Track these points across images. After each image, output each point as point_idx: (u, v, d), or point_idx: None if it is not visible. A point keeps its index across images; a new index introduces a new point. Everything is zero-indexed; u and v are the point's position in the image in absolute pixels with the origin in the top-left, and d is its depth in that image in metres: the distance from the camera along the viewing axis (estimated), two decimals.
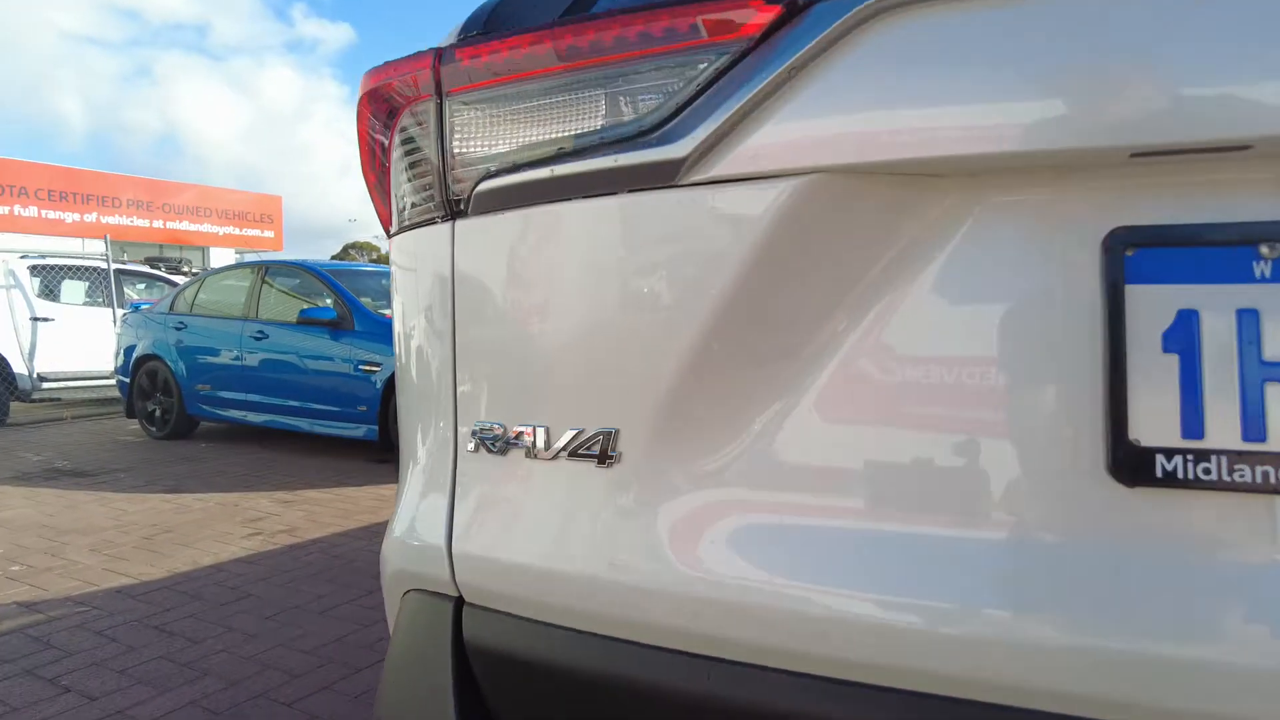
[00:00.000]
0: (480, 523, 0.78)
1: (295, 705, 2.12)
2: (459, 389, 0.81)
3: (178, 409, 6.52)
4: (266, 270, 6.46)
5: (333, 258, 23.28)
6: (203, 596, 2.94)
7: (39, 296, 8.18)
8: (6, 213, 15.20)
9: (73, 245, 12.44)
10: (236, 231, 19.99)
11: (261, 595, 2.96)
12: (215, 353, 6.28)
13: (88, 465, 5.64)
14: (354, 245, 44.21)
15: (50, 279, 8.46)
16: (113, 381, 7.79)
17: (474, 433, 0.79)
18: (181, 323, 6.57)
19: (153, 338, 6.75)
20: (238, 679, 2.28)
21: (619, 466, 0.70)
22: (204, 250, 19.26)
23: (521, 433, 0.76)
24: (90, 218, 16.11)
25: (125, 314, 7.73)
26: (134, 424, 7.14)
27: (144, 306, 7.58)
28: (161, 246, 17.20)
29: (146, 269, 9.99)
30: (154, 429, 6.76)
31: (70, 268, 8.78)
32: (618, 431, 0.70)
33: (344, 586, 3.04)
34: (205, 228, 19.22)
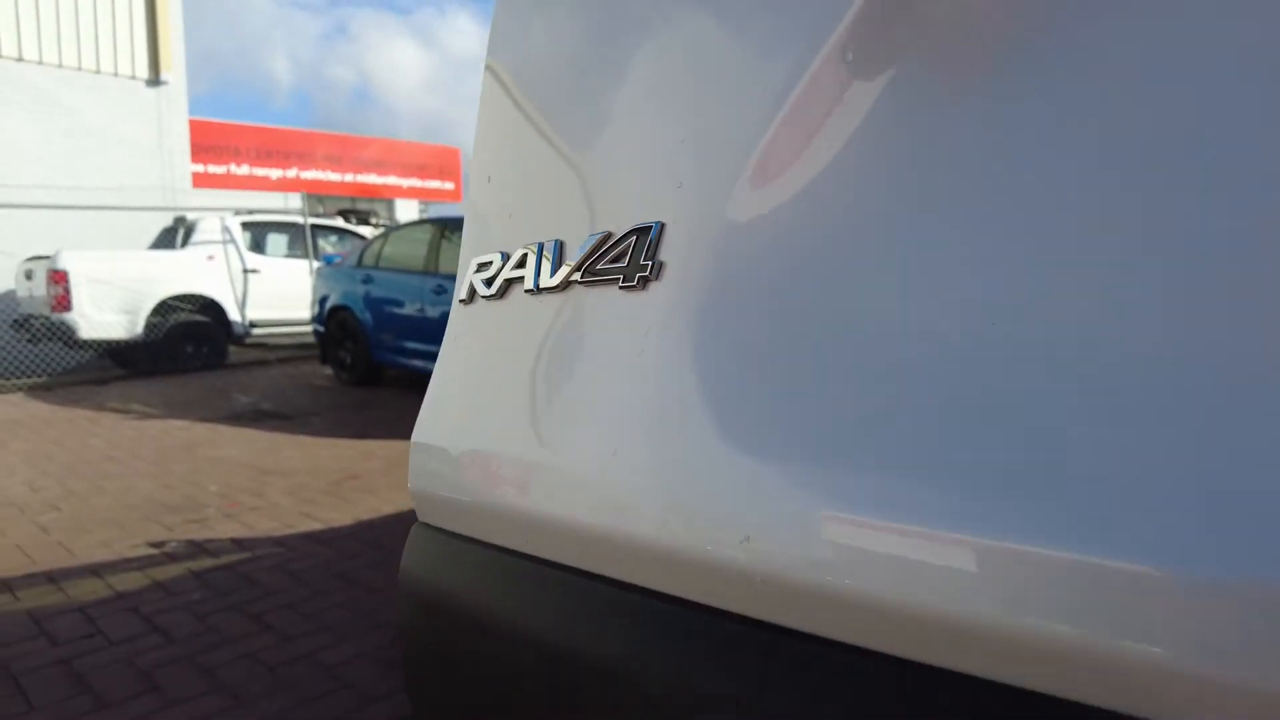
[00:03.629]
0: None
1: None
2: None
3: (365, 357, 7.04)
4: (446, 226, 6.75)
5: None
6: (383, 546, 3.16)
7: (249, 250, 9.04)
8: (224, 171, 16.86)
9: (275, 201, 13.61)
10: (419, 183, 21.12)
11: None
12: (399, 304, 6.68)
13: (286, 408, 6.22)
14: None
15: (258, 234, 9.30)
16: (308, 328, 8.53)
17: None
18: (368, 276, 7.03)
19: (343, 290, 7.27)
20: None
21: None
22: (390, 202, 20.54)
23: None
24: (291, 173, 17.57)
25: (319, 267, 8.39)
26: (327, 369, 7.78)
27: (335, 260, 8.18)
28: (354, 200, 18.51)
29: (339, 223, 10.74)
30: (344, 374, 7.35)
31: (274, 223, 9.62)
32: None
33: None
34: (390, 180, 20.45)
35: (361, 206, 17.00)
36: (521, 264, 0.73)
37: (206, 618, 2.53)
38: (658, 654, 0.53)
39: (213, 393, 7.08)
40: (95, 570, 2.96)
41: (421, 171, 21.37)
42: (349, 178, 19.26)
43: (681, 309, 0.56)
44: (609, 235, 0.63)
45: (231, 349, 8.98)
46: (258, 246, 9.24)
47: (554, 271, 0.68)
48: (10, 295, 8.62)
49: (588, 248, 0.65)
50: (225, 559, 3.05)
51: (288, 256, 9.53)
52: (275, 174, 17.48)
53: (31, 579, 2.88)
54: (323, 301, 7.54)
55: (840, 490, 0.45)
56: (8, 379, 7.49)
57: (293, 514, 3.58)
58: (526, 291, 0.72)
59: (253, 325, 8.92)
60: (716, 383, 0.53)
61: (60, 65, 9.45)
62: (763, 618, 0.48)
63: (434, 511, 0.83)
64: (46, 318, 7.63)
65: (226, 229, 8.87)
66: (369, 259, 7.24)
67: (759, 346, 0.51)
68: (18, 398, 7.04)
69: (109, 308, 7.80)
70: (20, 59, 9.19)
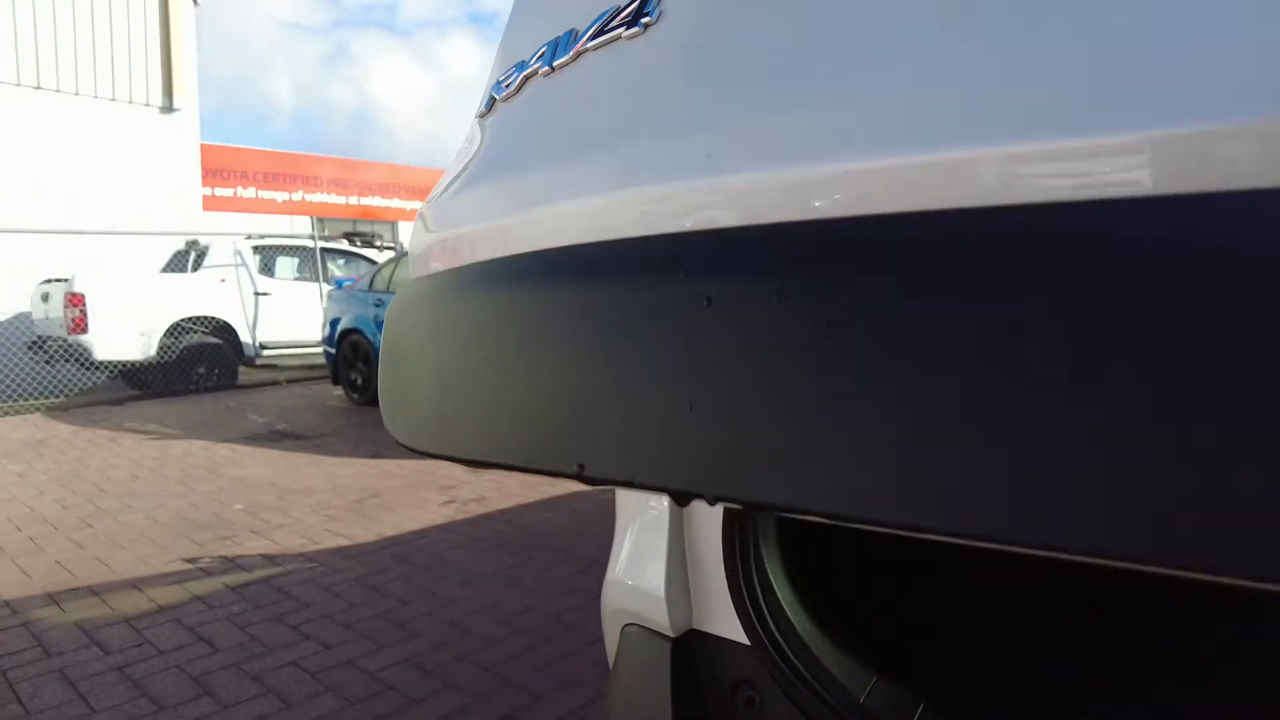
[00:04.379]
0: None
1: (492, 669, 2.38)
2: None
3: (376, 378, 7.16)
4: None
5: None
6: (409, 560, 3.30)
7: (259, 273, 9.20)
8: (231, 194, 17.06)
9: (281, 224, 13.80)
10: (421, 206, 21.34)
11: (458, 562, 3.28)
12: None
13: (302, 428, 6.35)
14: None
15: (268, 257, 9.47)
16: (318, 349, 8.68)
17: None
18: (379, 300, 7.19)
19: (354, 313, 7.43)
20: (443, 641, 2.57)
21: None
22: (393, 224, 20.75)
23: None
24: (296, 196, 17.79)
25: (330, 290, 8.55)
26: (338, 390, 7.92)
27: (346, 284, 8.33)
28: (355, 222, 18.70)
29: (346, 246, 10.90)
30: (356, 395, 7.49)
31: (283, 247, 9.79)
32: None
33: (528, 559, 3.31)
34: (394, 203, 20.68)
35: (363, 229, 17.19)
36: (539, 59, 0.80)
37: (247, 628, 2.66)
38: (655, 282, 0.58)
39: (228, 413, 7.21)
40: (135, 584, 3.09)
41: (424, 195, 21.52)
42: (353, 200, 19.48)
43: (680, 34, 0.65)
44: (617, 7, 0.71)
45: (242, 370, 9.13)
46: (268, 269, 9.40)
47: (567, 51, 0.76)
48: (26, 317, 8.78)
49: (598, 22, 0.73)
50: (258, 573, 3.18)
51: (297, 279, 9.69)
52: (281, 197, 17.70)
53: (75, 593, 3.01)
54: (334, 324, 7.69)
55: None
56: (27, 399, 7.62)
57: (318, 530, 3.72)
58: (542, 74, 0.78)
59: (263, 347, 9.07)
60: (702, 67, 0.63)
61: (77, 93, 9.67)
62: (731, 223, 0.54)
63: (432, 260, 0.89)
64: (64, 339, 7.78)
65: (238, 252, 9.05)
66: (380, 283, 7.41)
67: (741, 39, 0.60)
68: (37, 418, 7.17)
69: (124, 329, 7.95)
70: (38, 87, 9.41)
